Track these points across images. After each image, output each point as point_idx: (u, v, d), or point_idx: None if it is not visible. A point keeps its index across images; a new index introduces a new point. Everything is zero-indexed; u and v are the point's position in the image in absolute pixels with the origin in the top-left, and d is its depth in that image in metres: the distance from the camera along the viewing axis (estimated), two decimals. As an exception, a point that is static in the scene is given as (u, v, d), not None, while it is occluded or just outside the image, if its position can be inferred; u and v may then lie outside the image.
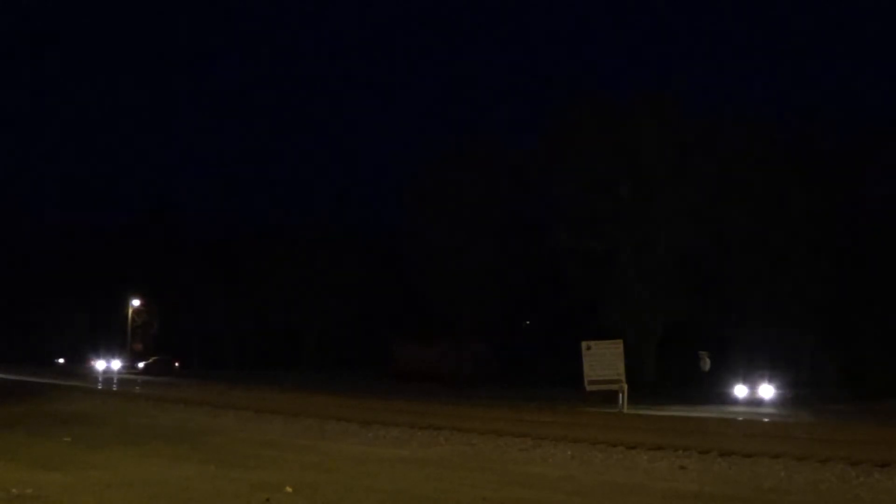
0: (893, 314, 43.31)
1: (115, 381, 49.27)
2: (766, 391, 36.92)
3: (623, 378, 29.02)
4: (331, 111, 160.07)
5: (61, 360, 73.20)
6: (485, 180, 55.43)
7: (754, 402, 36.08)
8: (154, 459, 13.43)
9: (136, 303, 69.50)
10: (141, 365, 63.44)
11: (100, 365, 62.74)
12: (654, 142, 45.81)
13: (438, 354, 55.47)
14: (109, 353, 65.59)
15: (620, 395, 28.71)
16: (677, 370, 45.66)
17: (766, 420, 27.10)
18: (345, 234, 70.84)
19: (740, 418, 27.09)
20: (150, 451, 14.42)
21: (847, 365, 42.02)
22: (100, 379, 51.76)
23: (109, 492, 10.27)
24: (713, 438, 17.92)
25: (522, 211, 56.18)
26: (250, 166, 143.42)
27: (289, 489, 10.55)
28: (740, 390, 37.34)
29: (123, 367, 63.03)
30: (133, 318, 69.55)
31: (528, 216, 56.10)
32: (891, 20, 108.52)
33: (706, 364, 44.71)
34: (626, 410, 28.00)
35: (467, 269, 55.57)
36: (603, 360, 29.67)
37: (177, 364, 65.85)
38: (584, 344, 30.29)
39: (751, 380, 38.05)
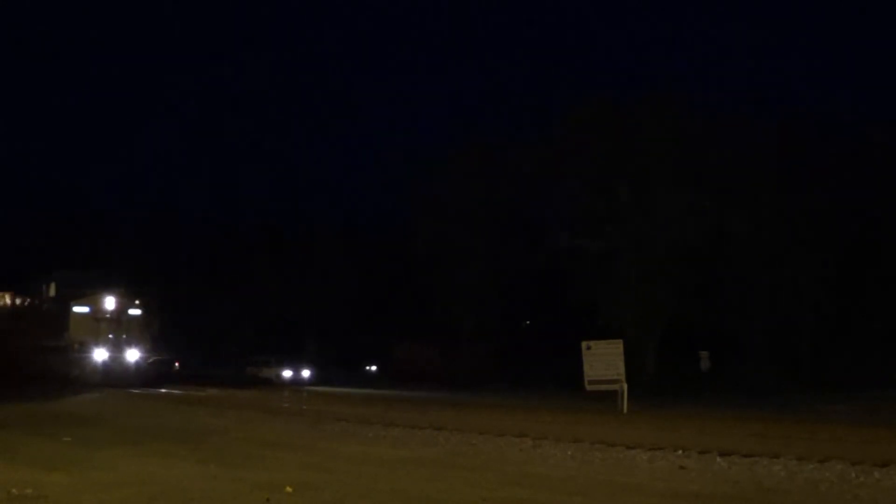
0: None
1: (304, 395, 37.08)
2: None
3: (623, 378, 29.04)
4: (332, 110, 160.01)
5: None
6: (485, 180, 55.47)
7: None
8: (154, 459, 13.43)
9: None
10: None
11: (286, 373, 53.49)
12: (654, 142, 45.82)
13: (438, 354, 55.49)
14: (291, 357, 55.93)
15: (620, 394, 28.72)
16: (677, 370, 45.67)
17: None
18: (345, 233, 70.88)
19: None
20: (150, 451, 14.41)
21: None
22: (285, 393, 38.28)
23: (109, 492, 10.27)
24: (713, 438, 17.94)
25: (522, 211, 56.22)
26: (251, 165, 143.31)
27: (289, 489, 10.56)
28: None
29: (313, 375, 54.06)
30: (133, 317, 69.35)
31: (528, 216, 56.14)
32: (891, 19, 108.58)
33: (706, 364, 44.72)
34: (625, 410, 28.02)
35: (468, 269, 55.62)
36: (603, 360, 29.71)
37: (177, 364, 65.70)
38: (584, 344, 30.34)
39: None
